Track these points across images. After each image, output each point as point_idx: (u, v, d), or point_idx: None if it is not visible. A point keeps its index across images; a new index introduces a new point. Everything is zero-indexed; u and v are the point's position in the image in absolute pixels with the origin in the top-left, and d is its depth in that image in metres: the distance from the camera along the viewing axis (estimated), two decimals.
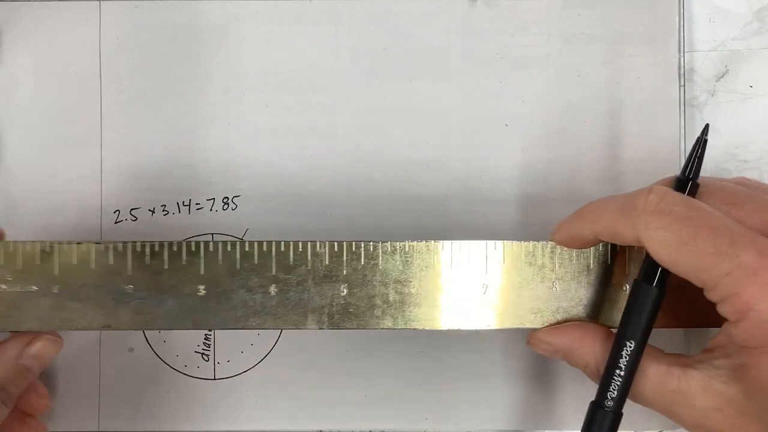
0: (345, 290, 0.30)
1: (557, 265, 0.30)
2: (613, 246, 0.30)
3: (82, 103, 0.36)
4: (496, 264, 0.30)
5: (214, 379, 0.36)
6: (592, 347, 0.29)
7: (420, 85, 0.36)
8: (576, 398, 0.35)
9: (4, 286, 0.30)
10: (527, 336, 0.31)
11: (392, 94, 0.36)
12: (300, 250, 0.30)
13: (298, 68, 0.36)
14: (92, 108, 0.36)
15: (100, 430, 0.36)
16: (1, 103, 0.36)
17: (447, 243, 0.30)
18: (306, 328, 0.30)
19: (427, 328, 0.31)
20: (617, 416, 0.28)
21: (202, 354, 0.36)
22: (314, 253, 0.30)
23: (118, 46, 0.36)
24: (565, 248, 0.30)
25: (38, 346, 0.30)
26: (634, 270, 0.30)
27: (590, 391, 0.36)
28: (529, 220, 0.35)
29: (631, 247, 0.30)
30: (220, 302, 0.30)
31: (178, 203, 0.36)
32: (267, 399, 0.36)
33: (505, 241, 0.30)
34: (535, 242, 0.30)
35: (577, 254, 0.30)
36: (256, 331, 0.36)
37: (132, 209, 0.36)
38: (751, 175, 0.36)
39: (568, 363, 0.30)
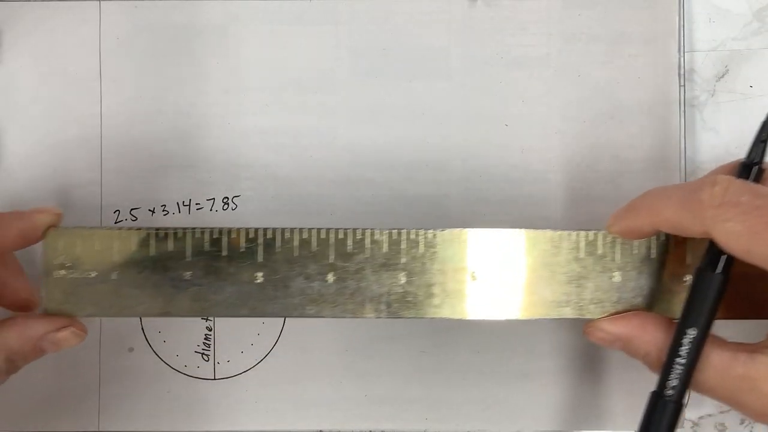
0: (404, 278, 0.30)
1: (618, 255, 0.30)
2: (675, 236, 0.30)
3: (82, 103, 0.36)
4: (556, 254, 0.30)
5: (214, 379, 0.36)
6: (653, 335, 0.29)
7: (420, 85, 0.36)
8: (576, 398, 0.35)
9: (63, 272, 0.30)
10: (585, 326, 0.30)
11: (392, 94, 0.36)
12: (358, 237, 0.30)
13: (298, 68, 0.36)
14: (92, 108, 0.36)
15: (100, 430, 0.36)
16: (1, 103, 0.36)
17: (508, 231, 0.30)
18: (364, 317, 0.30)
19: (487, 318, 0.30)
20: (678, 406, 0.27)
21: (202, 354, 0.36)
22: (373, 241, 0.30)
23: (118, 46, 0.36)
24: (626, 238, 0.30)
25: (63, 335, 0.30)
26: (695, 260, 0.29)
27: (590, 391, 0.36)
28: (529, 220, 0.35)
29: (691, 238, 0.29)
30: (277, 290, 0.30)
31: (178, 203, 0.36)
32: (267, 399, 0.36)
33: (566, 231, 0.30)
34: (596, 231, 0.30)
35: (638, 244, 0.30)
36: (257, 331, 0.36)
37: (132, 209, 0.36)
38: None
39: (627, 353, 0.30)
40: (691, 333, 0.27)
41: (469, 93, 0.36)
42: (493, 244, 0.30)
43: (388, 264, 0.30)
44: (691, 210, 0.26)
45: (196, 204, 0.36)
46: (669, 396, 0.27)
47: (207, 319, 0.36)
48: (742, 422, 0.36)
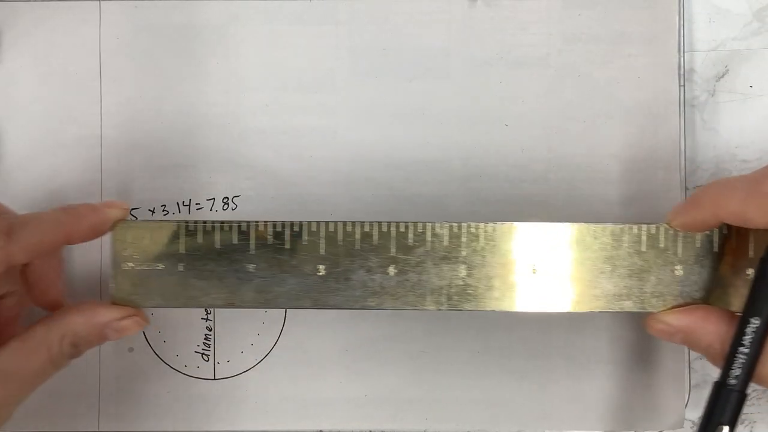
0: (464, 271, 0.31)
1: (680, 249, 0.30)
2: (737, 229, 0.30)
3: (82, 103, 0.36)
4: (618, 247, 0.30)
5: (214, 379, 0.36)
6: (716, 327, 0.29)
7: (420, 85, 0.36)
8: (576, 398, 0.35)
9: (131, 264, 0.31)
10: (646, 319, 0.31)
11: (392, 94, 0.36)
12: (419, 230, 0.30)
13: (298, 68, 0.36)
14: (92, 108, 0.36)
15: (100, 430, 0.36)
16: (1, 103, 0.36)
17: (568, 225, 0.30)
18: (425, 309, 0.31)
19: (549, 310, 0.31)
20: (742, 396, 0.28)
21: (202, 354, 0.36)
22: (434, 234, 0.30)
23: (118, 46, 0.36)
24: (688, 231, 0.30)
25: (127, 323, 0.31)
26: (758, 252, 0.29)
27: (590, 392, 0.36)
28: (529, 220, 0.35)
29: (754, 230, 0.29)
30: (339, 282, 0.31)
31: (178, 203, 0.36)
32: (267, 399, 0.36)
33: (627, 224, 0.30)
34: (658, 225, 0.30)
35: (700, 237, 0.30)
36: (257, 331, 0.36)
37: (132, 209, 0.36)
38: None
39: (689, 345, 0.30)
40: (755, 323, 0.27)
41: (469, 93, 0.36)
42: (554, 238, 0.30)
43: (449, 257, 0.31)
44: (757, 201, 0.26)
45: (196, 204, 0.36)
46: (732, 385, 0.27)
47: (207, 319, 0.36)
48: (742, 422, 0.36)
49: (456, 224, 0.30)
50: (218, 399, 0.36)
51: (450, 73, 0.36)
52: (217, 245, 0.31)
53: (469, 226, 0.31)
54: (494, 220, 0.35)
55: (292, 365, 0.36)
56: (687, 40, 0.36)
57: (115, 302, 0.31)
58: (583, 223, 0.31)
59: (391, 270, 0.31)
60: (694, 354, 0.36)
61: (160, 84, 0.36)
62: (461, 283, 0.31)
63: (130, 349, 0.36)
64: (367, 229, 0.31)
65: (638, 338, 0.35)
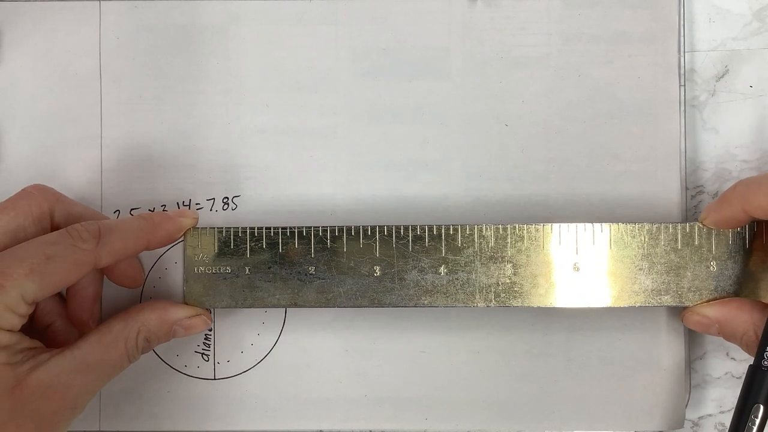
0: (510, 270, 0.32)
1: (714, 245, 0.32)
2: (767, 225, 0.32)
3: (82, 103, 0.36)
4: (655, 245, 0.32)
5: (214, 379, 0.36)
6: (750, 317, 0.31)
7: (420, 85, 0.36)
8: (576, 398, 0.35)
9: (202, 268, 0.33)
10: (683, 312, 0.33)
11: (392, 94, 0.36)
12: (467, 233, 0.32)
13: (298, 68, 0.36)
14: (92, 108, 0.36)
15: (101, 429, 0.36)
16: (1, 103, 0.36)
17: (607, 225, 0.32)
18: (474, 306, 0.32)
19: (592, 306, 0.32)
20: None
21: (202, 354, 0.36)
22: (480, 236, 0.32)
23: (118, 46, 0.36)
24: (720, 228, 0.32)
25: (195, 321, 0.33)
26: None
27: (590, 392, 0.36)
28: (528, 220, 0.35)
29: None
30: (394, 282, 0.33)
31: (178, 203, 0.36)
32: (267, 399, 0.36)
33: (662, 224, 0.32)
34: (692, 223, 0.32)
35: (733, 234, 0.32)
36: (257, 331, 0.36)
37: (132, 209, 0.36)
38: (751, 175, 0.36)
39: (724, 336, 0.32)
40: None
41: (469, 93, 0.36)
42: (595, 237, 0.32)
43: (496, 257, 0.32)
44: None
45: (196, 204, 0.36)
46: (766, 366, 0.29)
47: None
48: None
49: (501, 226, 0.32)
50: (218, 399, 0.36)
51: (450, 73, 0.36)
52: (281, 249, 0.33)
53: (514, 228, 0.32)
54: (495, 219, 0.36)
55: (292, 365, 0.36)
56: (687, 40, 0.36)
57: (189, 303, 0.33)
58: (622, 224, 0.32)
59: (442, 270, 0.33)
60: (694, 354, 0.36)
61: (160, 84, 0.36)
62: (508, 281, 0.32)
63: None
64: (418, 232, 0.33)
65: (638, 338, 0.35)
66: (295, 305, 0.33)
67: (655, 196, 0.35)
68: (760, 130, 0.36)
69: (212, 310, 0.36)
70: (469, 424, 0.36)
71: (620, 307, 0.33)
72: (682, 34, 0.36)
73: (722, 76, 0.36)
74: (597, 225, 0.32)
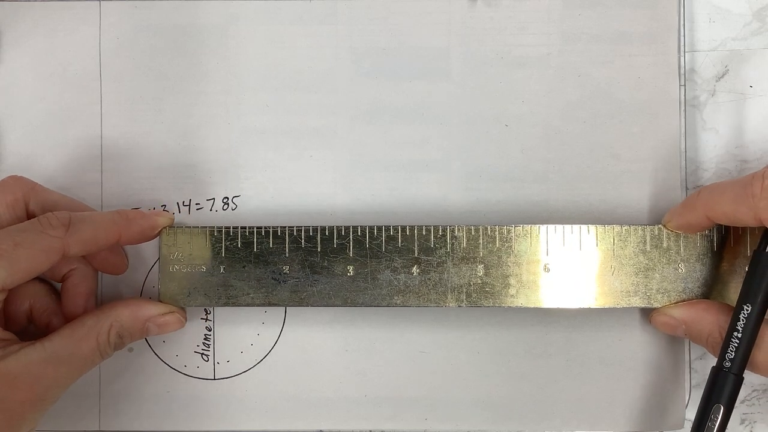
0: (482, 271, 0.33)
1: (682, 248, 0.33)
2: (734, 229, 0.32)
3: (82, 103, 0.36)
4: (624, 247, 0.33)
5: (214, 379, 0.36)
6: (716, 318, 0.31)
7: (420, 85, 0.36)
8: (576, 398, 0.35)
9: (177, 267, 0.33)
10: (651, 314, 0.34)
11: (392, 94, 0.36)
12: (440, 233, 0.33)
13: (298, 68, 0.36)
14: (92, 108, 0.36)
15: (101, 429, 0.36)
16: (1, 103, 0.36)
17: (577, 227, 0.33)
18: (446, 306, 0.33)
19: (560, 307, 0.33)
20: (738, 379, 0.30)
21: (202, 354, 0.36)
22: (453, 237, 0.33)
23: (118, 46, 0.36)
24: (683, 232, 0.32)
25: (168, 319, 0.34)
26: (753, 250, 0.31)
27: (590, 392, 0.36)
28: (529, 220, 0.35)
29: (749, 229, 0.32)
30: (367, 282, 0.33)
31: (178, 203, 0.36)
32: (267, 399, 0.36)
33: (632, 226, 0.33)
34: (660, 226, 0.33)
35: (701, 237, 0.33)
36: (257, 331, 0.36)
37: (132, 209, 0.36)
38: None
39: (690, 337, 0.32)
40: (747, 309, 0.30)
41: (469, 93, 0.36)
42: (565, 239, 0.33)
43: (468, 257, 0.33)
44: (745, 202, 0.29)
45: (196, 204, 0.36)
46: (727, 368, 0.30)
47: (207, 319, 0.36)
48: (742, 422, 0.36)
49: (474, 227, 0.33)
50: (218, 399, 0.36)
51: (450, 73, 0.36)
52: (255, 249, 0.33)
53: (485, 229, 0.33)
54: (495, 219, 0.36)
55: (292, 365, 0.36)
56: (687, 40, 0.36)
57: (164, 301, 0.34)
58: (591, 225, 0.33)
59: (415, 270, 0.33)
60: (694, 354, 0.36)
61: (160, 84, 0.36)
62: (479, 281, 0.33)
63: (130, 349, 0.36)
64: (391, 232, 0.33)
65: (638, 338, 0.35)
66: (269, 304, 0.33)
67: (655, 196, 0.35)
68: (760, 130, 0.36)
69: (212, 310, 0.36)
70: (469, 424, 0.36)
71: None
72: (682, 34, 0.36)
73: (722, 76, 0.36)
74: (567, 227, 0.33)
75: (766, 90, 0.36)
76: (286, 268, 0.33)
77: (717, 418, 0.30)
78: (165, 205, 0.36)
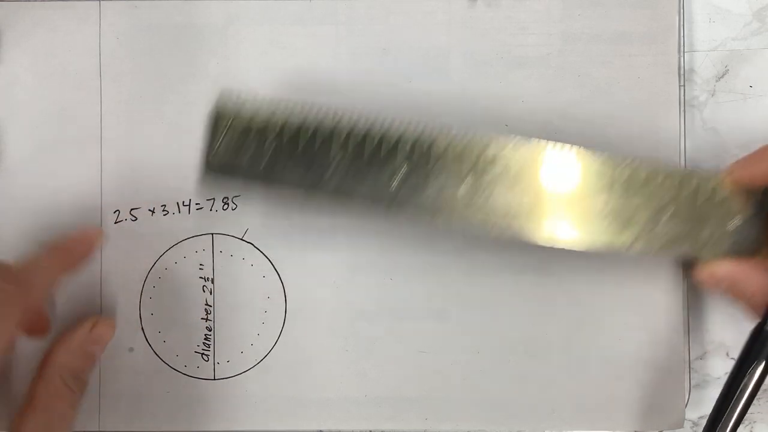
0: (533, 196, 0.32)
1: (737, 203, 0.32)
2: None
3: (82, 103, 0.36)
4: (678, 194, 0.32)
5: (214, 379, 0.36)
6: (761, 279, 0.31)
7: (420, 85, 0.36)
8: (575, 398, 0.35)
9: (228, 137, 0.32)
10: (696, 267, 0.33)
11: (392, 94, 0.36)
12: (492, 153, 0.32)
13: (298, 68, 0.36)
14: (92, 108, 0.36)
15: (101, 429, 0.36)
16: (1, 103, 0.36)
17: (631, 166, 0.32)
18: (489, 230, 0.32)
19: (611, 244, 0.32)
20: None
21: (202, 354, 0.36)
22: (505, 156, 0.32)
23: (118, 46, 0.36)
24: (744, 186, 0.32)
25: (99, 331, 0.34)
26: None
27: (589, 392, 0.36)
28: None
29: None
30: (411, 195, 0.32)
31: (178, 203, 0.36)
32: (267, 399, 0.36)
33: (687, 173, 0.32)
34: (720, 177, 0.32)
35: (756, 194, 0.32)
36: (257, 331, 0.36)
37: (132, 209, 0.36)
38: None
39: (733, 294, 0.32)
40: None
41: (469, 93, 0.36)
42: (617, 177, 0.32)
43: (519, 178, 0.32)
44: None
45: (196, 204, 0.36)
46: None
47: (207, 319, 0.36)
48: (742, 422, 0.36)
49: (527, 147, 0.32)
50: (218, 399, 0.36)
51: (450, 73, 0.36)
52: (307, 137, 0.32)
53: (541, 150, 0.32)
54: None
55: (292, 365, 0.36)
56: (687, 40, 0.36)
57: (208, 169, 0.32)
58: (650, 167, 0.32)
59: (463, 189, 0.32)
60: (694, 354, 0.36)
61: (160, 84, 0.36)
62: (526, 207, 0.32)
63: (130, 349, 0.36)
64: (444, 146, 0.32)
65: (638, 338, 0.35)
66: (311, 196, 0.32)
67: None
68: (760, 130, 0.36)
69: (212, 310, 0.36)
70: (469, 424, 0.36)
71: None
72: (682, 34, 0.36)
73: (722, 76, 0.36)
74: (624, 162, 0.32)
75: (766, 90, 0.36)
76: (335, 163, 0.32)
77: (754, 376, 0.30)
78: (165, 205, 0.36)
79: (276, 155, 0.32)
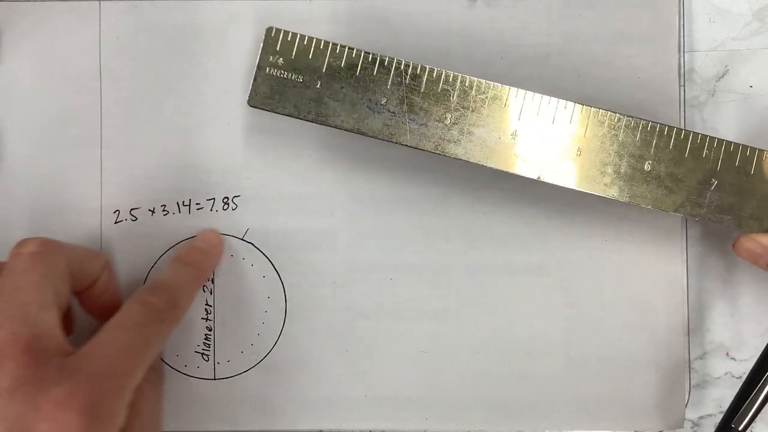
0: (575, 152, 0.32)
1: None
2: None
3: (82, 103, 0.36)
4: (728, 168, 0.32)
5: (214, 379, 0.36)
6: None
7: None
8: (576, 398, 0.35)
9: (274, 70, 0.32)
10: (737, 238, 0.33)
11: None
12: (546, 103, 0.32)
13: None
14: (92, 108, 0.36)
15: None
16: (1, 103, 0.36)
17: (681, 130, 0.32)
18: (531, 179, 0.32)
19: (652, 207, 0.32)
20: None
21: (202, 354, 0.36)
22: (561, 108, 0.32)
23: (118, 46, 0.36)
24: None
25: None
26: None
27: (590, 392, 0.36)
28: (529, 218, 0.36)
29: None
30: (462, 134, 0.32)
31: (178, 203, 0.36)
32: (267, 399, 0.36)
33: (738, 144, 0.32)
34: (763, 151, 0.32)
35: None
36: (257, 331, 0.36)
37: (132, 209, 0.36)
38: None
39: None
40: None
41: None
42: (664, 141, 0.32)
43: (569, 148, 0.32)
44: None
45: (196, 204, 0.36)
46: None
47: (207, 319, 0.36)
48: None
49: (583, 108, 0.32)
50: (218, 399, 0.36)
51: None
52: (357, 73, 0.32)
53: (596, 113, 0.32)
54: (495, 220, 0.35)
55: (292, 365, 0.36)
56: (687, 40, 0.36)
57: (251, 104, 0.32)
58: (700, 133, 0.32)
59: (509, 136, 0.32)
60: (694, 354, 0.36)
61: (160, 84, 0.36)
62: (572, 161, 0.32)
63: None
64: (497, 91, 0.32)
65: (638, 338, 0.35)
66: (358, 132, 0.32)
67: None
68: (760, 130, 0.36)
69: (212, 310, 0.36)
70: (469, 424, 0.36)
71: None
72: (681, 34, 0.36)
73: (722, 76, 0.36)
74: (667, 126, 0.32)
75: (766, 90, 0.36)
76: (383, 100, 0.32)
77: None
78: (165, 205, 0.36)
79: (321, 94, 0.32)
